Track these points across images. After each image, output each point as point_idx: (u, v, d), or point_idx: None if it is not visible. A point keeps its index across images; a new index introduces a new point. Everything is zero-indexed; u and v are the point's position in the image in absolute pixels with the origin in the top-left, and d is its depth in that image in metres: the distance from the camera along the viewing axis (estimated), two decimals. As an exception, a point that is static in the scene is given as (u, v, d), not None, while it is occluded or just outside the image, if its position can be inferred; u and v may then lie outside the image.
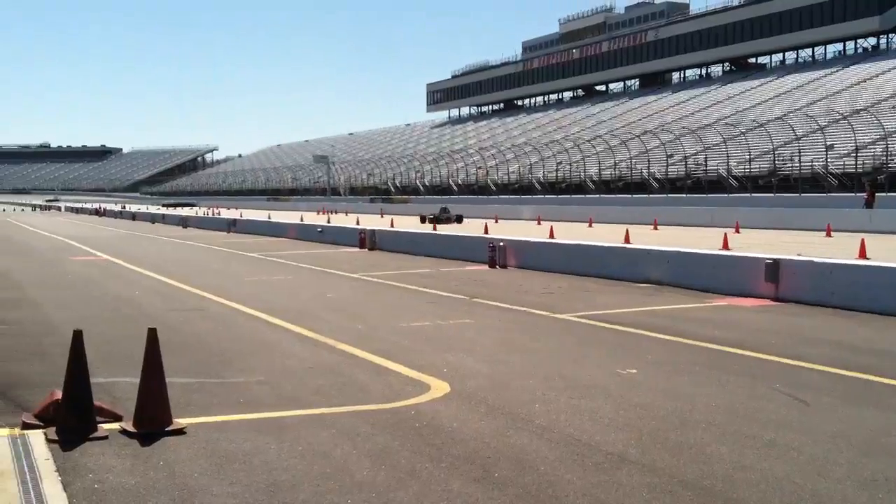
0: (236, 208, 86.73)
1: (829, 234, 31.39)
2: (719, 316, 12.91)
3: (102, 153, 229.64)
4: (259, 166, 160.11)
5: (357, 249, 27.87)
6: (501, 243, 21.33)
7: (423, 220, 47.46)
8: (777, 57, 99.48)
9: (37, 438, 6.41)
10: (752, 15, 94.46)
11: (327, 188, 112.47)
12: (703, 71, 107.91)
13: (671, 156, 69.94)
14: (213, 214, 63.11)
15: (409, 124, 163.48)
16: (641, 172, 71.41)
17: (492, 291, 15.98)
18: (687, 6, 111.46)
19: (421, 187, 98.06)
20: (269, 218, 49.09)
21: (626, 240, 25.51)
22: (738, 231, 33.95)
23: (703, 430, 6.64)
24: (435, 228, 35.09)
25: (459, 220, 47.85)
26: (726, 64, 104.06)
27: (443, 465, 5.81)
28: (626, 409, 7.27)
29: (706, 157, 66.90)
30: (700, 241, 25.89)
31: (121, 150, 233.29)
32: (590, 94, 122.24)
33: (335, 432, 6.61)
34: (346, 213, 68.87)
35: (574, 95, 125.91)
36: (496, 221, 47.90)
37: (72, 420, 6.43)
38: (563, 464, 5.81)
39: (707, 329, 11.48)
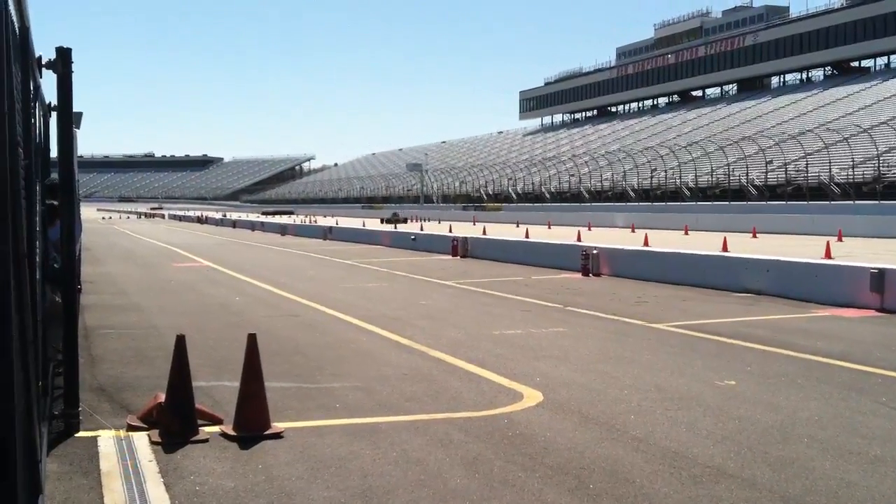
0: (332, 216, 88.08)
1: (938, 243, 30.17)
2: (821, 327, 12.53)
3: (204, 162, 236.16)
4: (354, 175, 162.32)
5: (449, 257, 27.97)
6: (595, 251, 21.13)
7: (382, 221, 63.46)
8: (881, 60, 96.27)
9: (141, 440, 6.62)
10: (854, 17, 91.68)
11: (420, 196, 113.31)
12: (804, 75, 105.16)
13: (770, 162, 68.28)
14: (310, 222, 64.20)
15: (501, 132, 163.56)
16: (739, 179, 69.91)
17: (585, 300, 15.84)
18: (787, 9, 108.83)
19: (513, 195, 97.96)
20: (364, 225, 49.69)
21: (724, 248, 25.02)
22: (840, 239, 32.92)
23: (806, 444, 6.45)
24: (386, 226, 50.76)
25: (405, 221, 63.88)
26: (828, 68, 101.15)
27: (536, 474, 5.78)
28: (724, 421, 7.11)
29: (807, 163, 65.10)
30: (801, 249, 25.20)
31: (222, 159, 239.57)
32: (686, 100, 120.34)
33: (429, 439, 6.64)
34: (439, 221, 69.25)
35: (669, 101, 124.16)
36: (589, 229, 47.52)
37: (174, 423, 6.61)
38: (659, 476, 5.71)
39: (809, 340, 11.16)
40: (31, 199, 4.64)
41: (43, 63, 6.28)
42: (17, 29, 3.72)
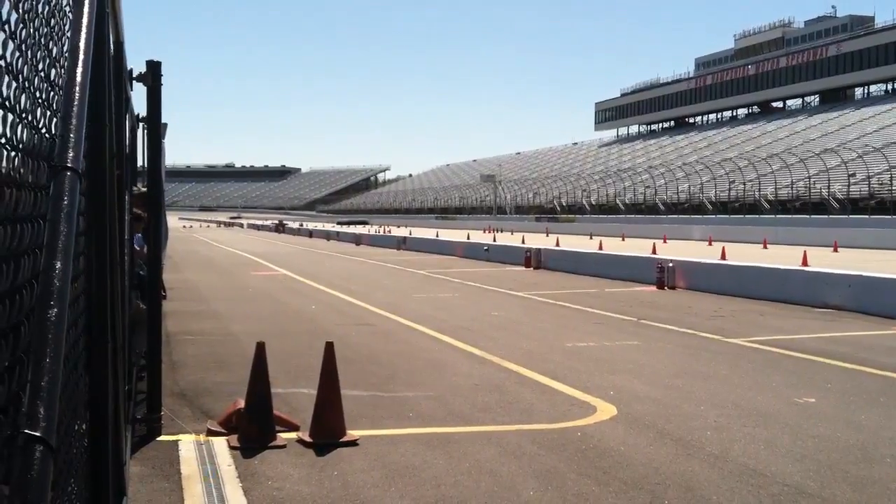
0: (406, 226, 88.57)
1: None
2: (906, 345, 12.18)
3: (282, 173, 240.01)
4: (428, 185, 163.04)
5: (522, 268, 27.91)
6: (670, 264, 20.89)
7: (274, 225, 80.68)
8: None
9: (220, 445, 6.77)
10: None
11: (493, 207, 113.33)
12: (889, 86, 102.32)
13: (853, 175, 66.59)
14: (385, 232, 64.70)
15: (576, 143, 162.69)
16: (821, 192, 68.33)
17: (660, 313, 15.67)
18: (872, 19, 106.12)
19: (587, 206, 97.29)
20: (437, 236, 49.88)
21: (804, 262, 24.48)
22: (927, 255, 31.93)
23: (889, 465, 6.29)
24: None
25: (285, 225, 79.97)
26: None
27: (610, 489, 5.75)
28: (803, 439, 6.98)
29: (892, 177, 63.32)
30: (884, 264, 24.52)
31: (299, 169, 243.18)
32: (766, 111, 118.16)
33: (501, 450, 6.66)
34: (512, 232, 69.10)
35: (749, 112, 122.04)
36: (665, 241, 46.94)
37: (253, 429, 6.74)
38: (736, 494, 5.63)
39: (892, 358, 10.85)
40: (121, 208, 4.80)
41: (133, 76, 6.49)
42: (112, 44, 3.87)
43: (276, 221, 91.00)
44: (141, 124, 8.60)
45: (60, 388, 1.41)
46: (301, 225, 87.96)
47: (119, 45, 4.41)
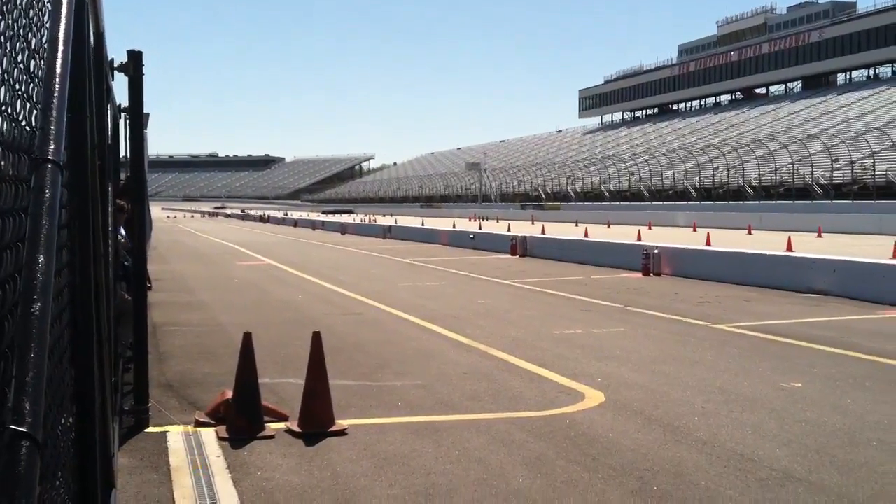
0: (391, 215, 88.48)
1: None
2: (890, 328, 12.26)
3: (266, 162, 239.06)
4: (413, 174, 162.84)
5: (508, 256, 27.92)
6: (656, 250, 20.93)
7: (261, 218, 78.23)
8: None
9: (208, 436, 6.75)
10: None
11: (479, 195, 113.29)
12: (871, 72, 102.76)
13: (836, 160, 66.90)
14: (370, 221, 64.59)
15: (560, 130, 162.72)
16: (804, 178, 68.62)
17: (646, 300, 15.71)
18: (854, 5, 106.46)
19: (572, 194, 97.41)
20: (423, 224, 49.82)
21: (789, 248, 24.60)
22: (910, 239, 32.09)
23: (875, 448, 6.33)
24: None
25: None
26: (895, 64, 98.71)
27: (599, 475, 5.76)
28: (790, 423, 7.01)
29: (874, 162, 63.66)
30: (868, 249, 24.68)
31: (283, 159, 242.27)
32: (749, 98, 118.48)
33: (490, 438, 6.66)
34: (497, 220, 69.13)
35: (732, 99, 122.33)
36: (650, 228, 47.06)
37: (241, 420, 6.72)
38: (724, 479, 5.66)
39: (877, 342, 10.93)
40: (104, 199, 4.76)
41: (115, 66, 6.43)
42: (92, 34, 3.82)
43: (239, 210, 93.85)
44: (123, 114, 8.53)
45: (46, 383, 1.38)
46: (286, 214, 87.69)
47: (100, 35, 4.36)
